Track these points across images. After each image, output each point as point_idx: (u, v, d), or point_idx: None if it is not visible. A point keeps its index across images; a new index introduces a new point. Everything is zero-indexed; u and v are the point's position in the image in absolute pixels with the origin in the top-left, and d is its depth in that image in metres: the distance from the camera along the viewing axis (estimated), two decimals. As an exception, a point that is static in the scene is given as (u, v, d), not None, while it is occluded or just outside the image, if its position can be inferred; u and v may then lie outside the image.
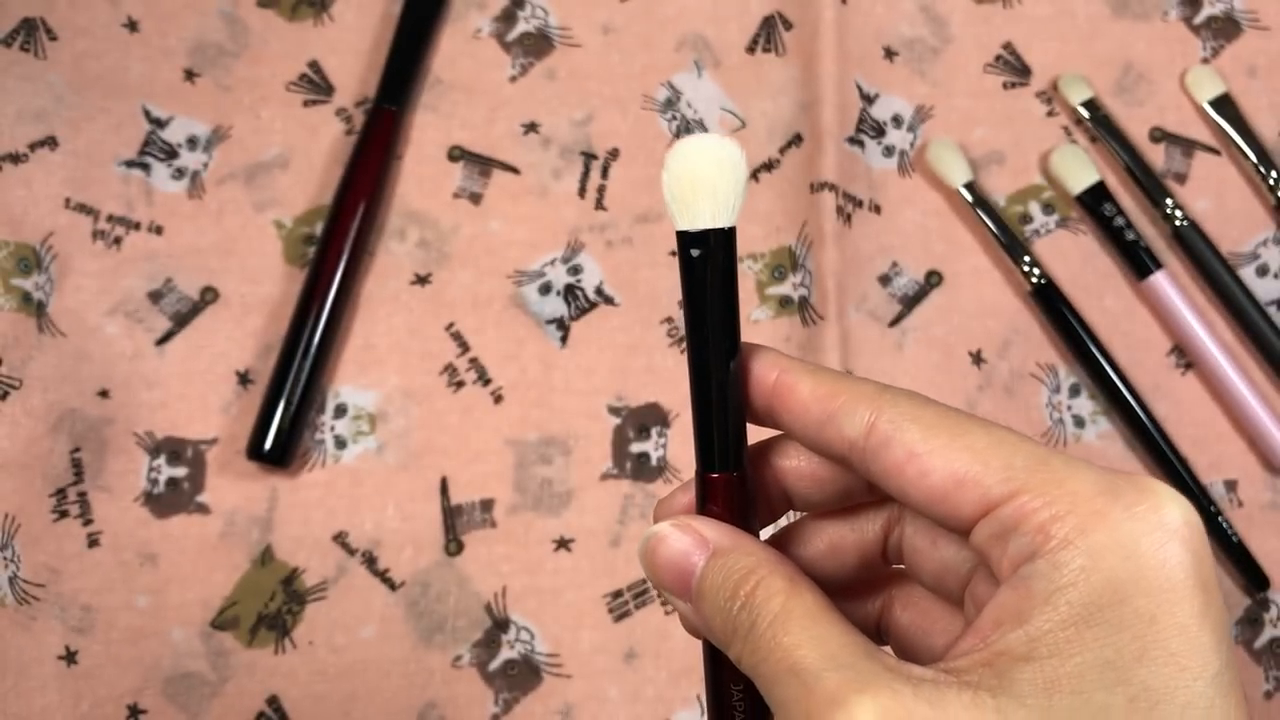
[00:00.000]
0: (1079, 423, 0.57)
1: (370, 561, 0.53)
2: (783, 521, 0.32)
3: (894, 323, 0.58)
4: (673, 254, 0.57)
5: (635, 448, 0.55)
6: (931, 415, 0.26)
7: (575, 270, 0.57)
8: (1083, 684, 0.22)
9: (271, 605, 0.53)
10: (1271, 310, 0.58)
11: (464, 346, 0.56)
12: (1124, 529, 0.23)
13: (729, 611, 0.26)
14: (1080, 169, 0.59)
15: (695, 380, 0.28)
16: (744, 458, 0.29)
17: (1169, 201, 0.59)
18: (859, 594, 0.32)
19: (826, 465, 0.29)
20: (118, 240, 0.56)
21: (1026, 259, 0.57)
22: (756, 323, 0.57)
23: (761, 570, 0.26)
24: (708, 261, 0.27)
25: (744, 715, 0.29)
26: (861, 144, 0.59)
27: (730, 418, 0.28)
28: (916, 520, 0.30)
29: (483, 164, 0.58)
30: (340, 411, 0.55)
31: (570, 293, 0.57)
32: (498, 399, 0.55)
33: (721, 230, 0.27)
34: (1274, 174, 0.59)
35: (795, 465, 0.30)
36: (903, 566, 0.31)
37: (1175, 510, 0.24)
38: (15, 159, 0.55)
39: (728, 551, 0.27)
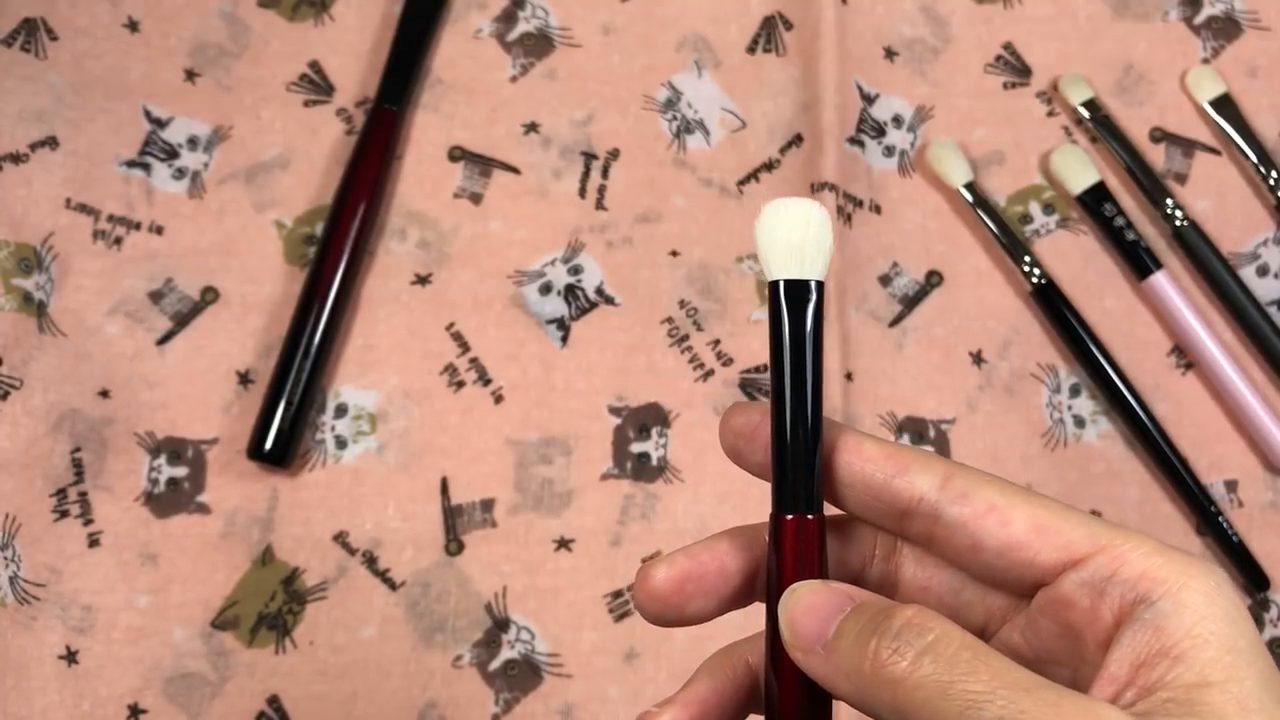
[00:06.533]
0: (1079, 423, 0.57)
1: (370, 561, 0.53)
2: None
3: (894, 323, 0.58)
4: (672, 254, 0.57)
5: (636, 448, 0.55)
6: (1001, 481, 0.28)
7: (575, 270, 0.57)
8: (1261, 702, 0.24)
9: (272, 605, 0.53)
10: (1271, 310, 0.58)
11: (464, 346, 0.56)
12: (1210, 577, 0.26)
13: (890, 635, 0.25)
14: (1080, 169, 0.59)
15: (785, 419, 0.28)
16: (821, 501, 0.29)
17: (1169, 201, 0.59)
18: None
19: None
20: (118, 240, 0.56)
21: (1027, 259, 0.57)
22: (758, 323, 0.57)
23: (916, 608, 0.26)
24: (806, 306, 0.28)
25: None
26: (862, 144, 0.59)
27: (817, 458, 0.28)
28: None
29: (483, 164, 0.58)
30: (341, 411, 0.55)
31: (570, 293, 0.57)
32: (498, 399, 0.55)
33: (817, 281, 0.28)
34: (1274, 174, 0.59)
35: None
36: None
37: (1220, 569, 0.27)
38: (16, 159, 0.55)
39: (875, 600, 0.27)
